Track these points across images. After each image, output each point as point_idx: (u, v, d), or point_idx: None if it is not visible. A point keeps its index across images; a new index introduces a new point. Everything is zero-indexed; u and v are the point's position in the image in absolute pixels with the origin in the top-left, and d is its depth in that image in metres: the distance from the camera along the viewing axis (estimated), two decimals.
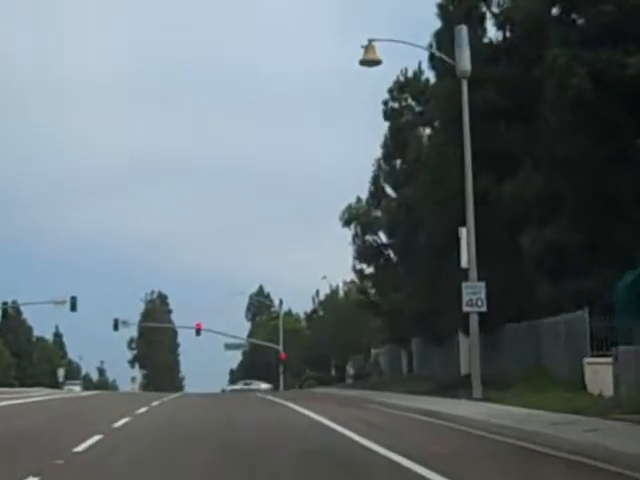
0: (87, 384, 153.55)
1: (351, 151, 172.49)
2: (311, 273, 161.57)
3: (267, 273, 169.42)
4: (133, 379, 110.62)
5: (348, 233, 46.37)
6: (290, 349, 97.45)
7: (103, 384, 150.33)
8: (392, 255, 47.87)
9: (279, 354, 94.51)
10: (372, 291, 50.81)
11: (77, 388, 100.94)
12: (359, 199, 48.12)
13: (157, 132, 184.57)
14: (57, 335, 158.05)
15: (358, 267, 48.89)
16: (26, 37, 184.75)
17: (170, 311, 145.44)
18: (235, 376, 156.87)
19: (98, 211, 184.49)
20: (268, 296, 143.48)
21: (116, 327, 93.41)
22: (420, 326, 40.20)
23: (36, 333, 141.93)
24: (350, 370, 49.87)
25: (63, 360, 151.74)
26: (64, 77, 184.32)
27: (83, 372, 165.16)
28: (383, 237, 48.29)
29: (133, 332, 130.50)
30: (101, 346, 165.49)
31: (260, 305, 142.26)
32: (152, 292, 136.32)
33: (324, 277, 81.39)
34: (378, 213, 47.50)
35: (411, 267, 39.36)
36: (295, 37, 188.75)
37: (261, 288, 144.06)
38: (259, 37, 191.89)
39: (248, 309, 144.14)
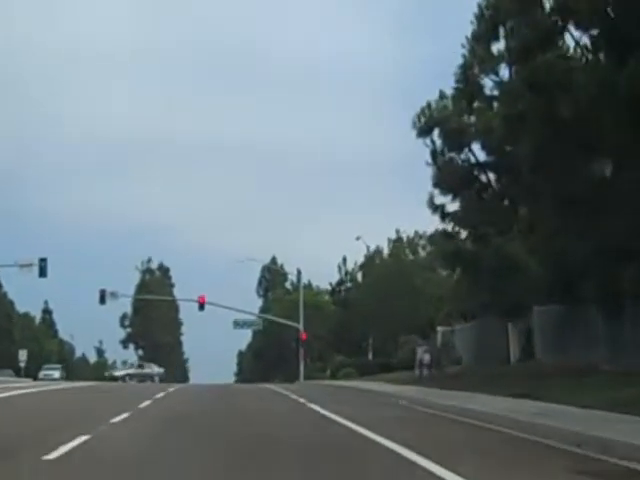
0: (76, 368, 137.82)
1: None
2: (328, 245, 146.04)
3: (279, 247, 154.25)
4: (124, 363, 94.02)
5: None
6: (311, 328, 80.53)
7: (101, 367, 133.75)
8: (492, 180, 31.12)
9: (299, 334, 77.35)
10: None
11: (56, 374, 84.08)
12: (442, 95, 31.26)
13: (158, 112, 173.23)
14: (46, 312, 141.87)
15: (439, 201, 32.11)
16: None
17: (172, 285, 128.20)
18: (244, 359, 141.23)
19: (99, 192, 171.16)
20: (282, 268, 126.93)
21: (102, 300, 76.78)
22: (564, 286, 23.33)
23: (21, 309, 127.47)
24: (425, 356, 32.77)
25: (53, 340, 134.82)
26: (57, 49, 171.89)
27: (78, 353, 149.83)
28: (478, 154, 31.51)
29: (127, 307, 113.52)
30: (96, 325, 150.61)
31: (273, 278, 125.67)
32: (149, 260, 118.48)
33: (358, 237, 64.99)
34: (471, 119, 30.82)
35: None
36: None
37: (274, 260, 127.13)
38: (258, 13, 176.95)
39: (259, 283, 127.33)
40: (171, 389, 31.93)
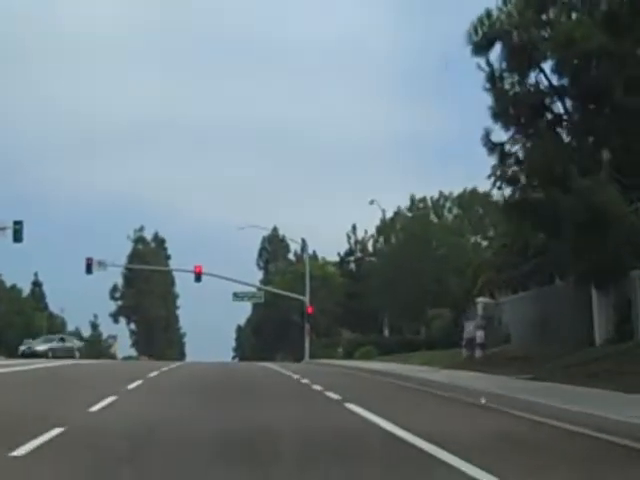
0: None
1: None
2: (332, 217, 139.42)
3: (280, 219, 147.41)
4: (114, 337, 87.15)
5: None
6: (317, 302, 73.93)
7: (96, 342, 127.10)
8: (569, 110, 24.33)
9: (304, 307, 70.65)
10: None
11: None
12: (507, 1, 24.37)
13: (158, 90, 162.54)
14: (36, 284, 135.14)
15: (497, 139, 25.24)
16: None
17: (168, 257, 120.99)
18: (243, 334, 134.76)
19: (99, 169, 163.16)
20: (283, 240, 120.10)
21: (89, 269, 70.08)
22: None
23: (10, 282, 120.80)
24: (477, 333, 25.99)
25: (43, 313, 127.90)
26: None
27: (69, 327, 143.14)
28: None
29: (117, 278, 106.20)
30: (89, 298, 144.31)
31: (274, 249, 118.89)
32: (141, 228, 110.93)
33: (372, 201, 58.12)
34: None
35: None
36: None
37: (275, 230, 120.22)
38: None
39: (260, 255, 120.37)
40: (153, 374, 25.14)
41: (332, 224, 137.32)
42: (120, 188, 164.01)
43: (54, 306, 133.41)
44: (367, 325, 74.00)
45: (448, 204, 48.24)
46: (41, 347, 60.33)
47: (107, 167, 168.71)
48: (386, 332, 56.72)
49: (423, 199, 48.19)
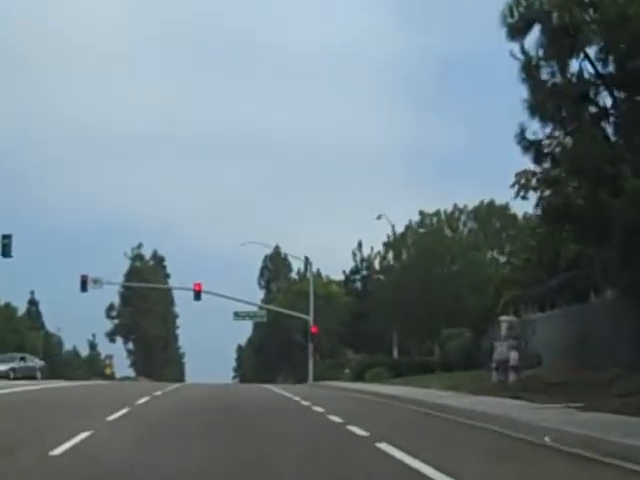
0: (64, 362, 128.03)
1: None
2: (334, 236, 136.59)
3: (282, 238, 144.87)
4: (109, 357, 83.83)
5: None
6: (321, 321, 70.99)
7: (94, 361, 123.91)
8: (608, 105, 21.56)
9: (308, 327, 67.68)
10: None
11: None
12: None
13: (157, 104, 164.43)
14: (32, 303, 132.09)
15: (532, 136, 22.35)
16: None
17: (167, 275, 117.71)
18: (244, 355, 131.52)
19: (95, 184, 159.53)
20: (285, 258, 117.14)
21: (84, 287, 67.10)
22: None
23: (4, 299, 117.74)
24: (511, 354, 22.92)
25: (38, 332, 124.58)
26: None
27: (67, 346, 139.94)
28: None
29: (115, 296, 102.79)
30: (87, 317, 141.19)
31: (276, 269, 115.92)
32: (139, 245, 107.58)
33: (380, 216, 55.22)
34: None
35: None
36: None
37: (277, 249, 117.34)
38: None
39: (261, 274, 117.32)
40: (142, 400, 22.12)
41: (335, 242, 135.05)
42: (119, 205, 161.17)
43: (51, 325, 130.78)
44: (373, 346, 70.95)
45: (463, 217, 45.30)
46: (1, 367, 55.35)
47: (106, 182, 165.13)
48: (395, 353, 53.69)
49: (437, 213, 45.28)
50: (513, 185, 26.18)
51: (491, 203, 44.55)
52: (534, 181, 25.43)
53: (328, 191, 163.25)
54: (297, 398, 25.06)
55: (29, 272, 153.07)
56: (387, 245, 46.46)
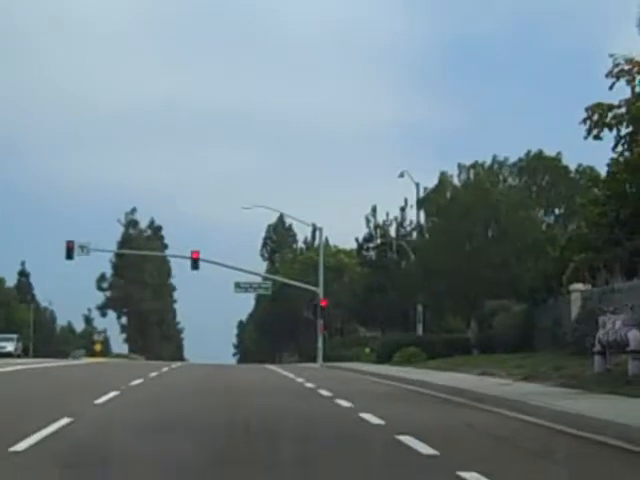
0: (55, 338, 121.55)
1: None
2: (338, 205, 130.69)
3: (285, 208, 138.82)
4: (99, 333, 76.65)
5: None
6: (331, 295, 64.14)
7: (90, 337, 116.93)
8: None
9: (316, 300, 60.78)
10: None
11: (9, 346, 66.79)
12: None
13: (158, 82, 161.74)
14: (23, 274, 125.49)
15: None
16: None
17: (165, 246, 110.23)
18: (245, 331, 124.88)
19: (96, 162, 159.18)
20: (290, 228, 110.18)
21: (70, 254, 60.21)
22: None
23: None
24: (631, 333, 15.78)
25: (30, 305, 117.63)
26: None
27: (60, 321, 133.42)
28: None
29: (105, 267, 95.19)
30: (82, 290, 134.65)
31: (280, 239, 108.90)
32: (133, 210, 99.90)
33: (402, 174, 48.32)
34: None
35: None
36: None
37: (281, 218, 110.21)
38: None
39: (264, 245, 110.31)
40: (104, 398, 15.36)
41: (342, 212, 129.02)
42: (116, 179, 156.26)
43: (43, 298, 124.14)
44: (391, 322, 64.35)
45: (505, 173, 38.28)
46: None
47: (102, 157, 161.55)
48: (419, 330, 46.86)
49: (474, 165, 38.25)
50: (584, 121, 19.69)
51: (540, 154, 37.54)
52: (610, 117, 19.37)
53: (328, 164, 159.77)
54: (325, 392, 18.23)
55: (20, 242, 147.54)
56: (419, 202, 39.30)
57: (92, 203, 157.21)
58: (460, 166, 38.89)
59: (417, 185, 48.85)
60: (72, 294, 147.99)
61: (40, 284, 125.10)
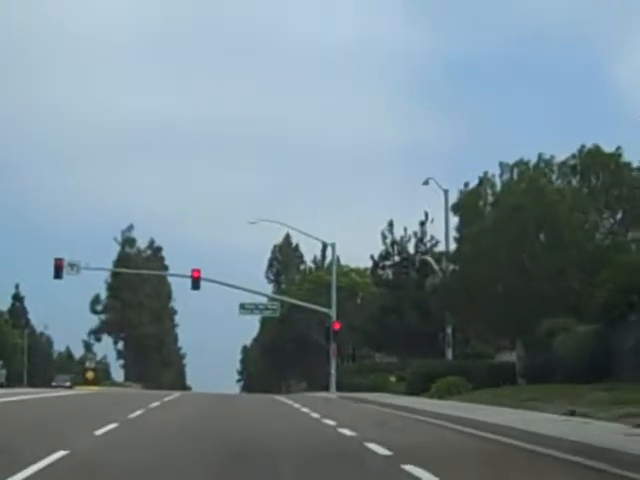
0: (52, 364, 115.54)
1: None
2: (348, 225, 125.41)
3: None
4: (90, 359, 70.60)
5: None
6: (343, 317, 58.41)
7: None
8: None
9: (329, 323, 55.12)
10: None
11: None
12: None
13: (157, 101, 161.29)
14: (17, 298, 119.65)
15: None
16: None
17: (166, 267, 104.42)
18: (250, 356, 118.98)
19: (94, 182, 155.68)
20: (297, 249, 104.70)
21: (58, 273, 54.73)
22: None
23: None
24: None
25: (23, 330, 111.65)
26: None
27: (58, 347, 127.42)
28: None
29: (99, 288, 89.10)
30: (79, 315, 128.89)
31: (286, 260, 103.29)
32: (130, 228, 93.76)
33: (427, 181, 43.04)
34: None
35: None
36: None
37: (287, 238, 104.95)
38: None
39: (269, 266, 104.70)
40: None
41: (351, 231, 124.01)
42: (114, 200, 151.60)
43: (38, 323, 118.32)
44: (411, 346, 58.66)
45: (554, 172, 32.71)
46: None
47: (103, 177, 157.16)
48: (449, 355, 41.20)
49: (518, 163, 32.69)
50: None
51: (597, 150, 32.05)
52: None
53: (332, 184, 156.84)
54: (379, 448, 12.32)
55: (13, 264, 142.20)
56: (454, 207, 33.54)
57: (89, 224, 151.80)
58: (502, 165, 33.33)
59: (445, 192, 43.50)
60: (70, 318, 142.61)
61: (35, 308, 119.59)
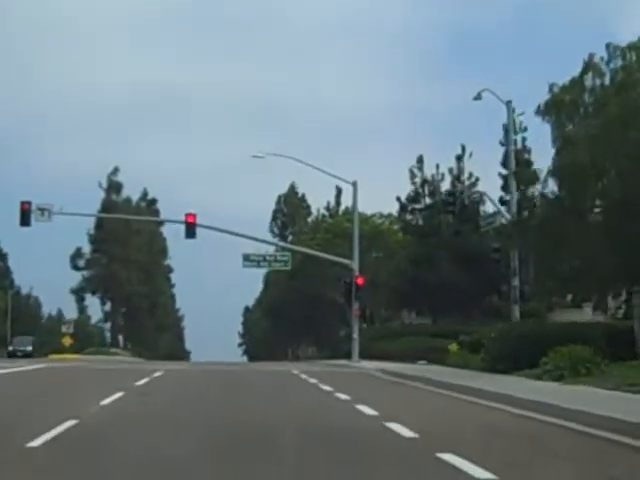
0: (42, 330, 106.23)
1: None
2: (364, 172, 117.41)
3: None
4: (67, 323, 61.16)
5: None
6: (365, 271, 48.29)
7: (83, 328, 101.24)
8: None
9: (351, 277, 45.09)
10: None
11: None
12: None
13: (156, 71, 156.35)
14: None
15: None
16: None
17: (160, 223, 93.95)
18: (253, 317, 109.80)
19: (98, 151, 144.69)
20: (303, 199, 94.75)
21: (25, 219, 45.12)
22: None
23: None
24: None
25: (7, 291, 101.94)
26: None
27: (47, 310, 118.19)
28: None
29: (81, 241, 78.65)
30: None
31: (292, 211, 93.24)
32: (115, 171, 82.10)
33: (479, 95, 33.25)
34: None
35: None
36: None
37: (292, 187, 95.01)
38: None
39: (274, 219, 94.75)
40: None
41: (366, 176, 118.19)
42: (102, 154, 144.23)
43: (25, 284, 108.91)
44: (448, 304, 49.21)
45: None
46: None
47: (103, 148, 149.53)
48: (516, 314, 31.63)
49: (632, 46, 22.95)
50: None
51: None
52: None
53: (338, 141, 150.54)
54: None
55: None
56: (547, 105, 23.63)
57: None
58: (611, 48, 23.54)
59: (508, 103, 33.78)
60: (61, 277, 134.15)
61: (21, 267, 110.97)
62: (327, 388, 18.79)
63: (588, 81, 23.42)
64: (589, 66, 23.45)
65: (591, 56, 23.82)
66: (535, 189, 25.48)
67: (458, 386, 17.72)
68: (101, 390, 16.55)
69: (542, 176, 24.76)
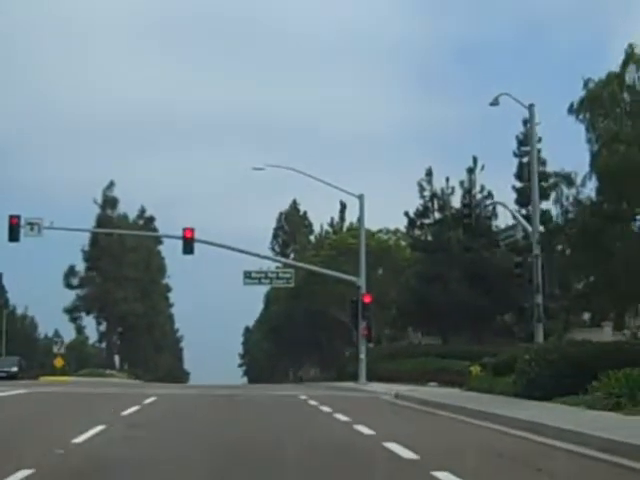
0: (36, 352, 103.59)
1: None
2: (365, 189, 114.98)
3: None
4: (58, 342, 58.53)
5: None
6: (371, 289, 45.71)
7: (80, 347, 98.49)
8: None
9: (358, 295, 42.52)
10: None
11: None
12: None
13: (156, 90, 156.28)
14: None
15: None
16: None
17: (159, 242, 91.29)
18: (253, 338, 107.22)
19: (97, 169, 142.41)
20: (305, 217, 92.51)
21: (13, 234, 42.57)
22: None
23: None
24: None
25: (2, 311, 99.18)
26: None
27: (44, 330, 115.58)
28: None
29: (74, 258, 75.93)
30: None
31: (294, 229, 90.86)
32: (110, 185, 79.13)
33: (496, 100, 30.93)
34: None
35: None
36: None
37: (295, 204, 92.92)
38: None
39: (274, 237, 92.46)
40: None
41: (370, 195, 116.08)
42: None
43: (20, 304, 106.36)
44: (459, 323, 46.72)
45: None
46: None
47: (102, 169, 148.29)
48: (539, 335, 29.18)
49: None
50: None
51: None
52: None
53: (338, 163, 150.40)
54: None
55: None
56: (581, 103, 21.21)
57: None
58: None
59: (531, 107, 31.42)
60: (57, 297, 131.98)
61: (16, 287, 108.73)
62: (344, 418, 16.28)
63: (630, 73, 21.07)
64: (631, 57, 21.09)
65: (630, 47, 21.45)
66: (569, 194, 23.06)
67: (507, 418, 14.79)
68: (79, 422, 14.03)
69: (578, 180, 22.38)
